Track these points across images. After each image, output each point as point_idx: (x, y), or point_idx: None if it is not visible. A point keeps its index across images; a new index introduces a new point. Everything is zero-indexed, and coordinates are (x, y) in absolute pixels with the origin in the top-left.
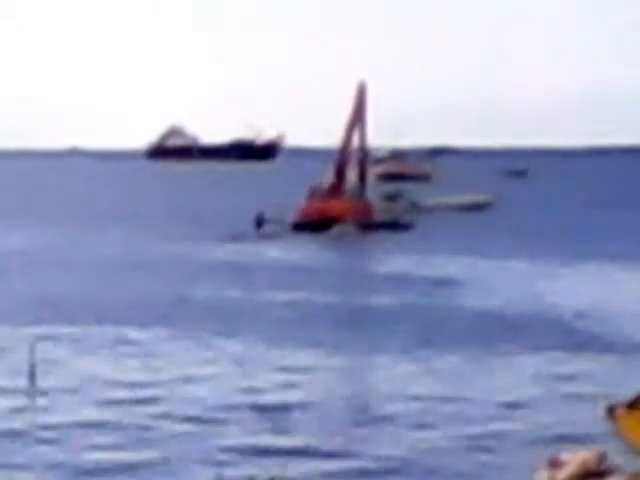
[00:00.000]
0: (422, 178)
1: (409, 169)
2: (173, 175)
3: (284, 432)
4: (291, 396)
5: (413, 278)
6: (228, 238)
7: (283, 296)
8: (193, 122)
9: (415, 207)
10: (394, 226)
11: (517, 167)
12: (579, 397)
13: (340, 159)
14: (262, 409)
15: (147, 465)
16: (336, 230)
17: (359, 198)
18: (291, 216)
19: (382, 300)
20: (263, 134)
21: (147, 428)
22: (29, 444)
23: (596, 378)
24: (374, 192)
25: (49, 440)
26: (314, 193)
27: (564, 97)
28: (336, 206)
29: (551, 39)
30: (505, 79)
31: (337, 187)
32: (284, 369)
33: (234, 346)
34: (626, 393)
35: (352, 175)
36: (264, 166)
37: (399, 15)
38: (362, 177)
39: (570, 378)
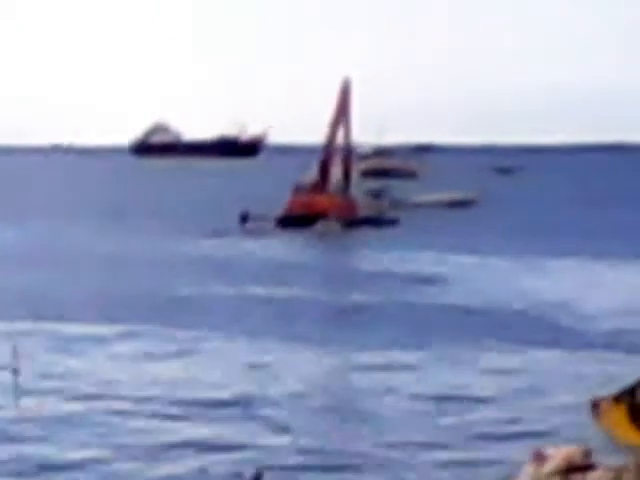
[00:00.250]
0: (407, 175)
1: (394, 166)
2: (157, 171)
3: (267, 427)
4: (273, 391)
5: (397, 274)
6: (212, 234)
7: (267, 292)
8: (177, 119)
9: (399, 204)
10: (378, 222)
11: (503, 164)
12: (564, 392)
13: (324, 155)
14: (243, 404)
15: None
16: (320, 226)
17: (343, 194)
18: (275, 212)
19: (366, 296)
20: (247, 131)
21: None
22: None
23: (580, 374)
24: (358, 189)
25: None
26: (298, 189)
27: (550, 95)
28: (320, 202)
29: (542, 37)
30: (491, 77)
31: (321, 183)
32: (266, 364)
33: (217, 342)
34: (610, 389)
35: (336, 171)
36: (248, 163)
37: (384, 11)
38: (346, 173)
39: (554, 373)
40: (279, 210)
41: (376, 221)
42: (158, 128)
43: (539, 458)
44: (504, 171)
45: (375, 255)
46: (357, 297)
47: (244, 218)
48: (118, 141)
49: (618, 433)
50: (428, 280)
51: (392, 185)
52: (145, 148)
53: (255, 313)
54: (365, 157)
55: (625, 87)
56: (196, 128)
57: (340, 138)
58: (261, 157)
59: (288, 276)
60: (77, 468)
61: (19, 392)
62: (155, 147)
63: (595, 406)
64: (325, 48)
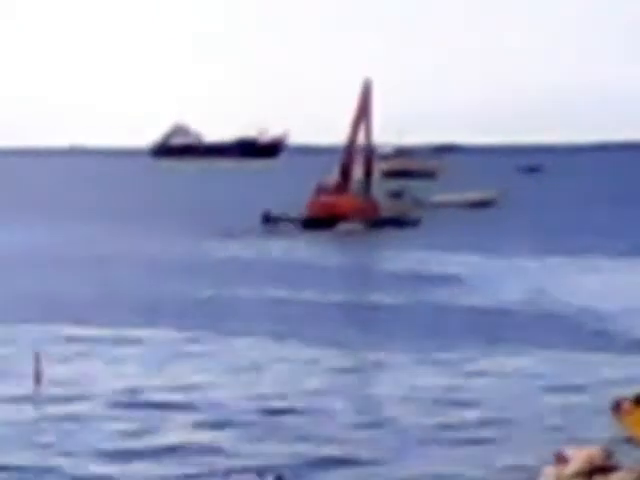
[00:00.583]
0: (427, 175)
1: (414, 166)
2: (178, 173)
3: (288, 429)
4: (295, 392)
5: (420, 275)
6: (235, 235)
7: (289, 293)
8: (197, 120)
9: (420, 204)
10: (400, 223)
11: (528, 163)
12: (584, 392)
13: (346, 156)
14: (267, 405)
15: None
16: (343, 227)
17: (365, 195)
18: (298, 213)
19: (388, 297)
20: (267, 132)
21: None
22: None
23: (601, 374)
24: (379, 189)
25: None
26: (321, 190)
27: (568, 95)
28: (342, 203)
29: (553, 38)
30: (510, 76)
31: (343, 184)
32: (289, 365)
33: (240, 343)
34: (631, 389)
35: (358, 172)
36: (268, 164)
37: (404, 13)
38: (368, 174)
39: (575, 374)
40: (301, 211)
41: (398, 222)
42: (178, 130)
43: (560, 460)
44: (530, 170)
45: (398, 256)
46: (379, 297)
47: (266, 219)
48: (138, 143)
49: (639, 433)
50: (449, 280)
51: (412, 185)
52: (165, 150)
53: (277, 314)
54: (385, 158)
55: None
56: (216, 130)
57: (361, 139)
58: (281, 158)
59: (311, 277)
60: None
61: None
62: (175, 149)
63: (617, 406)
64: (346, 49)
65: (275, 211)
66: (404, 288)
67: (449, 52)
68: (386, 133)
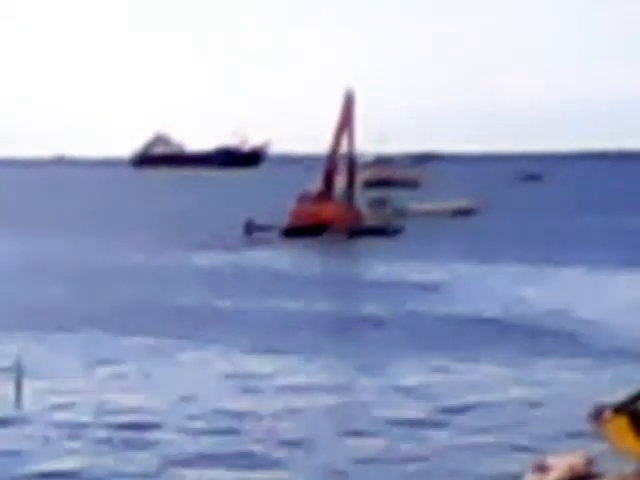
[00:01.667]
0: (409, 184)
1: (395, 175)
2: (159, 183)
3: (268, 440)
4: (279, 403)
5: (403, 284)
6: (217, 245)
7: (272, 303)
8: (178, 130)
9: (401, 213)
10: (383, 232)
11: (529, 171)
12: (564, 402)
13: (328, 165)
14: (249, 416)
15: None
16: (326, 236)
17: (348, 204)
18: (280, 222)
19: (371, 306)
20: (248, 141)
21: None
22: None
23: (580, 382)
24: (359, 198)
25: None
26: (303, 199)
27: (550, 103)
28: (326, 212)
29: (538, 44)
30: (492, 86)
31: (326, 193)
32: (271, 376)
33: (222, 354)
34: (610, 397)
35: (340, 181)
36: (250, 173)
37: (385, 20)
38: (351, 183)
39: (554, 382)
40: (283, 220)
41: (381, 230)
42: (159, 139)
43: (540, 469)
44: (529, 178)
45: (380, 264)
46: (362, 307)
47: (248, 228)
48: (118, 153)
49: (619, 442)
50: (432, 289)
51: (393, 194)
52: (146, 159)
53: (259, 324)
54: (366, 167)
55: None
56: (197, 139)
57: (344, 148)
58: (263, 167)
59: (293, 286)
60: None
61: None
62: (156, 158)
63: (596, 414)
64: (326, 57)
65: (257, 220)
66: (386, 297)
67: (434, 59)
68: (367, 142)
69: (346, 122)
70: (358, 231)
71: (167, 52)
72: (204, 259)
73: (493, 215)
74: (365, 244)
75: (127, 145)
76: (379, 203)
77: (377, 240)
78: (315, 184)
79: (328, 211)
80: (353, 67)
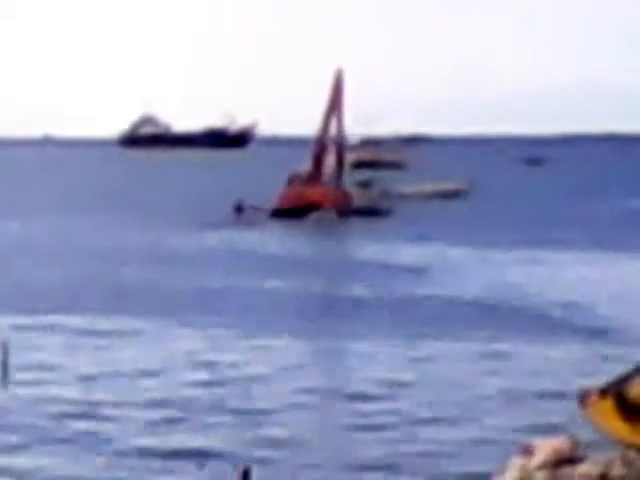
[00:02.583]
0: (396, 166)
1: (382, 157)
2: (146, 163)
3: (257, 422)
4: (264, 382)
5: (391, 266)
6: (207, 225)
7: (261, 283)
8: (166, 110)
9: (388, 195)
10: (372, 213)
11: (529, 154)
12: (551, 383)
13: (318, 146)
14: (239, 396)
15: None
16: (315, 217)
17: (337, 185)
18: (269, 203)
19: (358, 288)
20: (236, 122)
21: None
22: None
23: (567, 365)
24: (347, 180)
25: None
26: (293, 180)
27: (536, 86)
28: (315, 193)
29: (525, 31)
30: (479, 69)
31: (315, 174)
32: (259, 355)
33: (211, 334)
34: (597, 380)
35: (329, 162)
36: (237, 154)
37: (375, 3)
38: (339, 164)
39: (541, 364)
40: (272, 201)
41: (370, 212)
42: (146, 120)
43: (527, 451)
44: (533, 161)
45: (369, 245)
46: (350, 287)
47: (238, 209)
48: (106, 133)
49: (605, 426)
50: (419, 270)
51: (380, 176)
52: (133, 140)
53: (248, 304)
54: (353, 148)
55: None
56: (185, 120)
57: (333, 129)
58: (250, 148)
59: (282, 267)
60: None
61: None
62: (143, 139)
63: (582, 397)
64: (314, 38)
65: (246, 201)
66: (373, 278)
67: (423, 41)
68: (355, 123)
69: (335, 103)
70: (347, 212)
71: (155, 32)
72: (193, 239)
73: (483, 198)
74: (354, 225)
75: (114, 125)
76: (364, 184)
77: (366, 221)
78: (302, 165)
79: (318, 192)
80: (341, 49)
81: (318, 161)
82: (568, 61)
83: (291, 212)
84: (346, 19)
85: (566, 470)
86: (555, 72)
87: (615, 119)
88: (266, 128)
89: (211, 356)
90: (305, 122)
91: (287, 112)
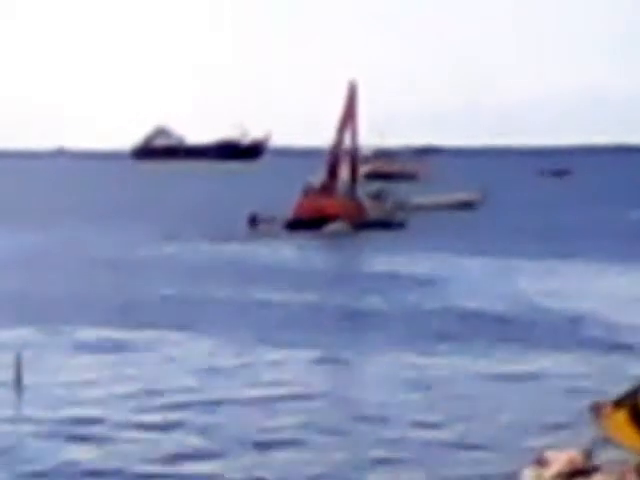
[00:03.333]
0: (408, 177)
1: (395, 168)
2: (160, 175)
3: (273, 428)
4: (280, 394)
5: (406, 277)
6: (222, 237)
7: (276, 295)
8: (179, 122)
9: (401, 206)
10: (387, 225)
11: (560, 167)
12: (563, 394)
13: (332, 158)
14: (254, 405)
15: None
16: (330, 229)
17: (351, 197)
18: (283, 215)
19: (373, 300)
20: (248, 134)
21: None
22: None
23: (579, 376)
24: (360, 191)
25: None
26: (307, 192)
27: (546, 99)
28: (330, 205)
29: (532, 42)
30: (490, 81)
31: (330, 186)
32: (274, 368)
33: (226, 346)
34: (613, 391)
35: (344, 174)
36: (250, 166)
37: (386, 14)
38: (354, 176)
39: (553, 375)
40: (285, 212)
41: (384, 223)
42: (159, 132)
43: (540, 462)
44: (560, 173)
45: (383, 257)
46: (365, 300)
47: (253, 220)
48: (119, 145)
49: (620, 437)
50: (434, 282)
51: (393, 188)
52: (147, 152)
53: (263, 316)
54: (366, 160)
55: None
56: (198, 132)
57: (347, 141)
58: (263, 160)
59: (297, 279)
60: None
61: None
62: (157, 151)
63: (596, 409)
64: (327, 50)
65: (262, 213)
66: (388, 290)
67: (435, 54)
68: (368, 135)
69: (349, 115)
70: (362, 224)
71: (167, 44)
72: (208, 251)
73: (496, 209)
74: (368, 237)
75: (128, 138)
76: (377, 196)
77: (381, 233)
78: (315, 176)
79: (333, 204)
80: (353, 60)
81: (333, 173)
82: (572, 71)
83: (306, 224)
84: (359, 29)
85: None
86: (559, 82)
87: (621, 130)
88: (278, 139)
89: (225, 366)
90: (317, 133)
91: (299, 123)
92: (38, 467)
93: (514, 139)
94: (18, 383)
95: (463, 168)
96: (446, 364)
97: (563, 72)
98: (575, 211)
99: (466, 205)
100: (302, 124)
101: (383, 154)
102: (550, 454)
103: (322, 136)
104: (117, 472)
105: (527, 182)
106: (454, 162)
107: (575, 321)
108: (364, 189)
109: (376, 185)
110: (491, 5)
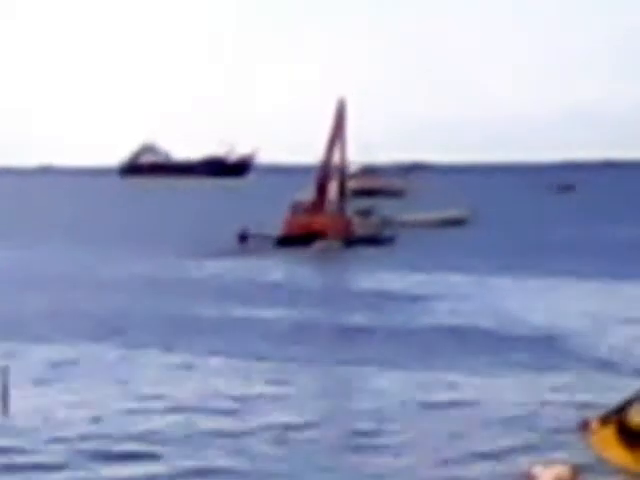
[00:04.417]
0: (395, 194)
1: (381, 185)
2: (147, 192)
3: (264, 444)
4: (272, 410)
5: (394, 295)
6: (211, 254)
7: (265, 312)
8: (165, 139)
9: (388, 223)
10: (375, 241)
11: (562, 181)
12: (547, 411)
13: (321, 175)
14: (247, 422)
15: None
16: (318, 245)
17: (340, 213)
18: (271, 231)
19: (361, 317)
20: (235, 150)
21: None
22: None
23: (565, 393)
24: (348, 208)
25: None
26: (296, 208)
27: (532, 114)
28: (319, 221)
29: (515, 58)
30: (477, 97)
31: (319, 202)
32: (264, 384)
33: (215, 364)
34: (598, 406)
35: (332, 191)
36: (237, 182)
37: (371, 31)
38: (342, 193)
39: (542, 392)
40: (272, 229)
41: (372, 240)
42: (146, 148)
43: (528, 477)
44: (567, 188)
45: (371, 274)
46: (353, 317)
47: (243, 237)
48: (106, 162)
49: (607, 454)
50: (422, 299)
51: (379, 204)
52: (133, 168)
53: (252, 333)
54: (352, 176)
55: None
56: (184, 148)
57: (335, 158)
58: (250, 176)
59: (285, 296)
60: None
61: None
62: (143, 167)
63: (584, 426)
64: (314, 67)
65: (252, 229)
66: (376, 307)
67: (421, 70)
68: (355, 152)
69: (338, 132)
70: (351, 241)
71: (154, 61)
72: (198, 268)
73: (485, 226)
74: (358, 254)
75: (114, 154)
76: (365, 213)
77: (370, 250)
78: (303, 193)
79: (322, 221)
80: (340, 78)
81: (322, 189)
82: (560, 86)
83: (296, 240)
84: (347, 47)
85: None
86: (548, 97)
87: (614, 146)
88: (265, 156)
89: (218, 388)
90: (304, 150)
91: (287, 140)
92: None
93: (501, 155)
94: (4, 397)
95: (451, 184)
96: (432, 378)
97: (552, 87)
98: (566, 227)
99: (455, 222)
100: (288, 141)
101: (370, 171)
102: (538, 470)
103: (308, 153)
104: None
105: (517, 198)
106: (441, 178)
107: (561, 339)
108: (353, 206)
109: (365, 202)
110: (482, 20)
